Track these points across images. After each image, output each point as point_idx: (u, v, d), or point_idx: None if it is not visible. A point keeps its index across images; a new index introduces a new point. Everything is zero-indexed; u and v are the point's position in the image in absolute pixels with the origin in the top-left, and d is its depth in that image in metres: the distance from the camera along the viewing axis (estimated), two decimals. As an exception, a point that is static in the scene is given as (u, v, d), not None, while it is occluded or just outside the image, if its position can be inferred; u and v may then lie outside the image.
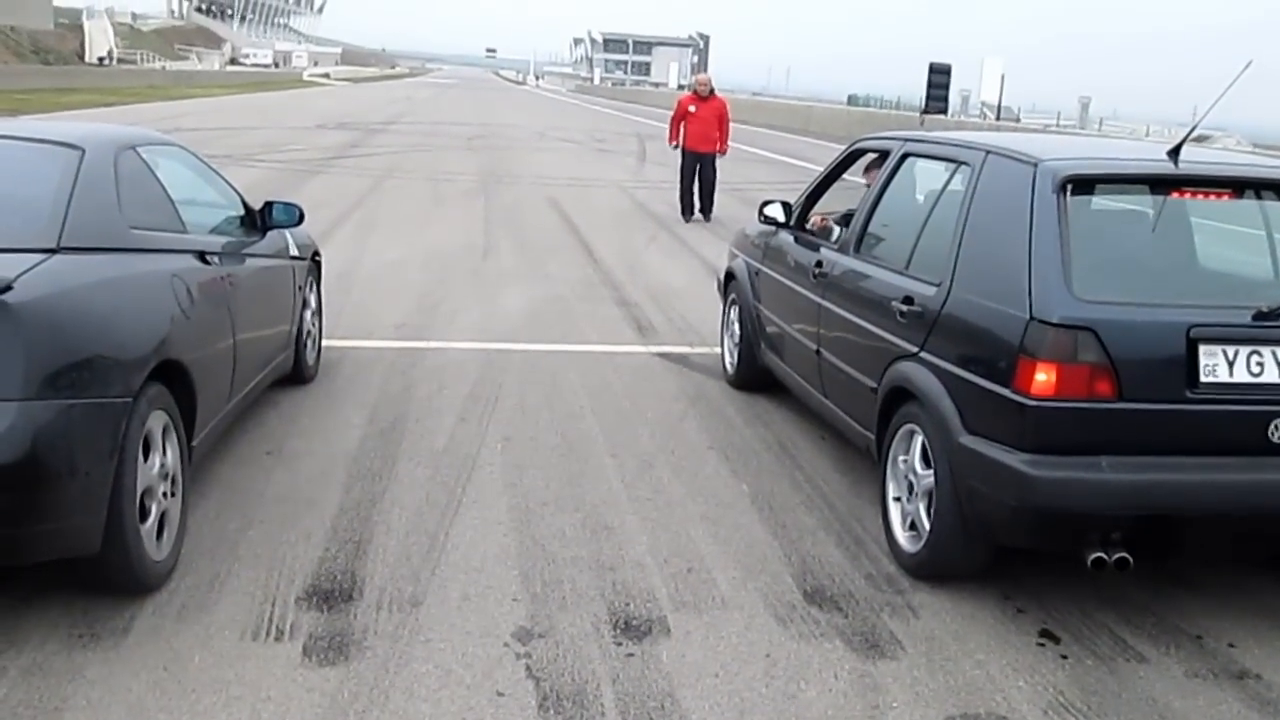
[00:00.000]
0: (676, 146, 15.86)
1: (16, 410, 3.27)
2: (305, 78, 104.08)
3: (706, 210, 15.59)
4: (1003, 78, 41.99)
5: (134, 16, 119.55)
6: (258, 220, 5.65)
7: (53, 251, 3.73)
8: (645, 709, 3.37)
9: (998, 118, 41.84)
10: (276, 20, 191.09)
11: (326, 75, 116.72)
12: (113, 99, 41.72)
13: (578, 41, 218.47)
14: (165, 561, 3.99)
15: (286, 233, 6.02)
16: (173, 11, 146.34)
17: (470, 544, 4.45)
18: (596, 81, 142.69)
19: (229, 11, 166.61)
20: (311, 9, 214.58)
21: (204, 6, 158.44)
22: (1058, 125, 43.86)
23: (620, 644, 3.74)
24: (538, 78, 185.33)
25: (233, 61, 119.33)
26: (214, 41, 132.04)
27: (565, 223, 14.84)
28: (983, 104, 44.59)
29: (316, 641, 3.65)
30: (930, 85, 33.84)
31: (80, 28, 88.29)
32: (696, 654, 3.71)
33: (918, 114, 34.89)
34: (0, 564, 3.61)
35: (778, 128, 44.89)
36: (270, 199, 5.83)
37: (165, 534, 3.99)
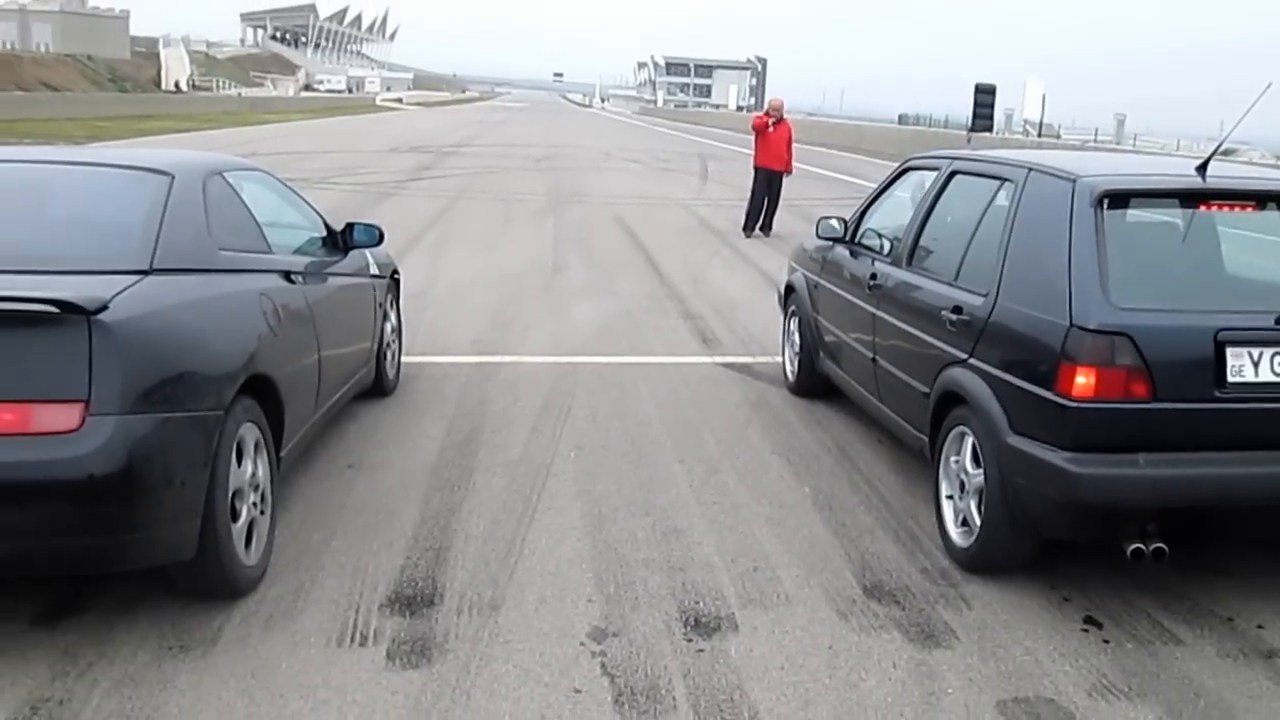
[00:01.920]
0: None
1: (114, 424, 3.44)
2: (378, 103, 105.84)
3: (767, 226, 16.01)
4: (1044, 97, 42.16)
5: (209, 45, 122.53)
6: (339, 241, 5.96)
7: (145, 273, 3.96)
8: (715, 701, 3.58)
9: (1039, 135, 41.97)
10: (349, 47, 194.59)
11: (399, 100, 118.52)
12: (188, 125, 42.74)
13: (641, 65, 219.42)
14: (255, 568, 4.22)
15: (367, 252, 6.33)
16: (244, 40, 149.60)
17: (546, 549, 4.69)
18: (659, 104, 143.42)
19: (303, 39, 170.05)
20: (384, 36, 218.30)
21: (279, 34, 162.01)
22: (1095, 141, 43.85)
23: (690, 640, 3.97)
24: (603, 100, 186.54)
25: (306, 88, 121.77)
26: (288, 68, 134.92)
27: (631, 240, 15.16)
28: (1025, 122, 44.76)
29: (399, 646, 3.84)
30: (976, 105, 34.22)
31: (156, 56, 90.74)
32: (763, 648, 3.93)
33: (965, 132, 35.13)
34: (102, 570, 3.81)
35: (832, 146, 45.04)
36: (351, 220, 6.16)
37: (254, 542, 4.22)
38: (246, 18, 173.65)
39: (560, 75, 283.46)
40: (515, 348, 8.42)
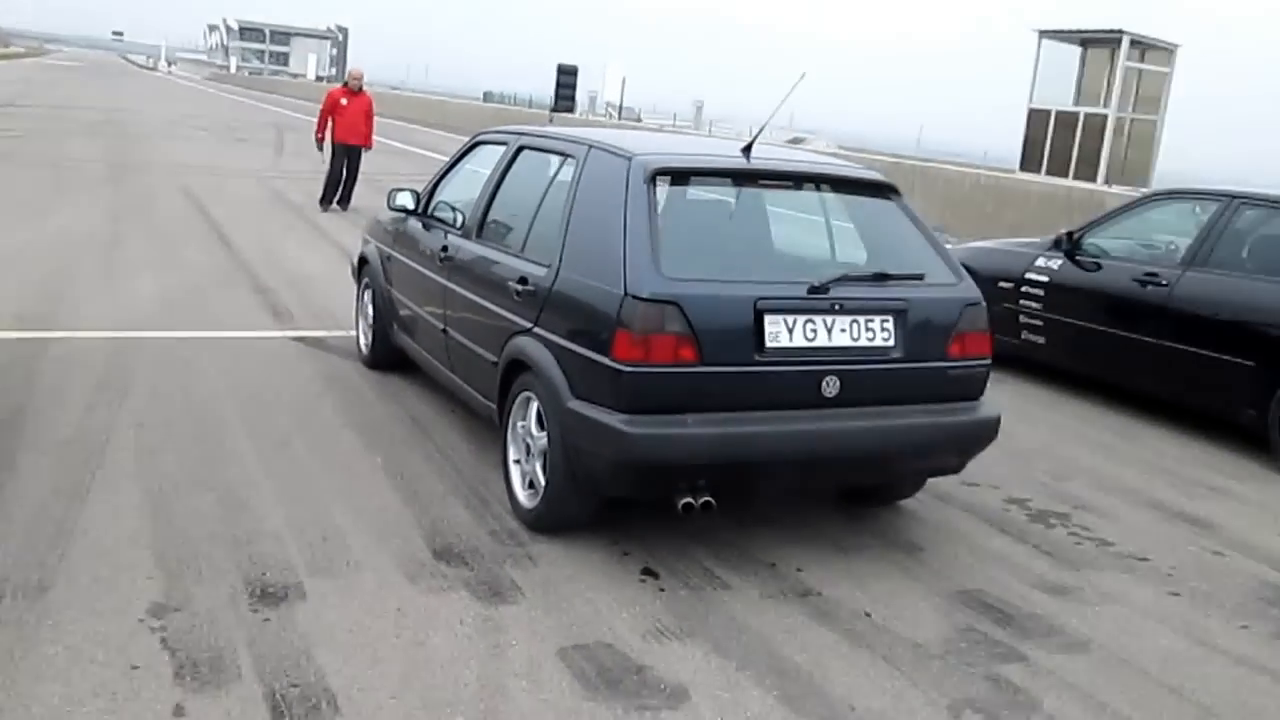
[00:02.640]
0: (323, 141, 15.98)
1: None
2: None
3: (345, 200, 15.76)
4: (624, 80, 44.27)
5: None
6: None
7: None
8: (282, 667, 3.56)
9: (619, 117, 43.95)
10: None
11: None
12: None
13: (213, 28, 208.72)
14: None
15: None
16: None
17: (101, 529, 4.46)
18: (233, 70, 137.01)
19: None
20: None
21: None
22: (674, 125, 46.55)
23: (257, 610, 3.92)
24: (171, 64, 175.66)
25: None
26: None
27: (200, 212, 14.48)
28: (608, 104, 46.72)
29: (-73, 641, 3.56)
30: (559, 85, 35.48)
31: None
32: (331, 614, 3.94)
33: (547, 112, 36.23)
34: None
35: (416, 121, 44.84)
36: None
37: None
38: None
39: (120, 34, 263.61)
40: (67, 322, 7.86)
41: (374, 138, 16.47)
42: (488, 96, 71.09)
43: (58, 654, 3.53)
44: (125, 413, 5.94)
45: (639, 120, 49.32)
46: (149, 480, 5.05)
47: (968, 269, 8.49)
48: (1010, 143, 28.28)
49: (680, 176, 4.92)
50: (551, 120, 33.82)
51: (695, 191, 5.18)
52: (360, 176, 16.05)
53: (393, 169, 20.85)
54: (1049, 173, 25.85)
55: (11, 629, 3.66)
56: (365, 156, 16.23)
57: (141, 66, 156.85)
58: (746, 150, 5.02)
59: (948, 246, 5.30)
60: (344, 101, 15.85)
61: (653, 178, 4.62)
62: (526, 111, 44.43)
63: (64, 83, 61.29)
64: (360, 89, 16.09)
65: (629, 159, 4.74)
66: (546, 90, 38.13)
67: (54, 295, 8.73)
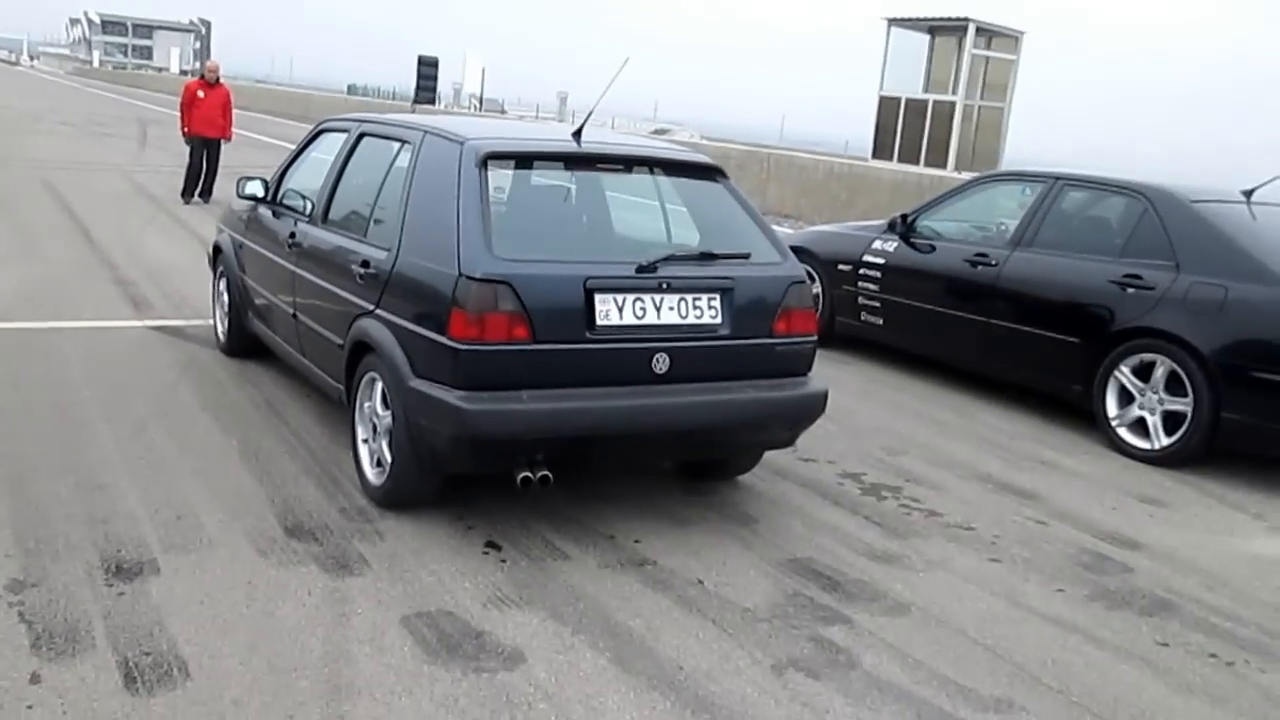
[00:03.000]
0: (188, 134, 15.88)
1: None
2: None
3: (207, 193, 15.72)
4: (484, 71, 44.21)
5: None
6: None
7: None
8: (135, 637, 3.72)
9: (480, 107, 43.93)
10: None
11: None
12: None
13: (74, 22, 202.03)
14: None
15: None
16: None
17: (-44, 514, 4.55)
18: (96, 64, 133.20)
19: None
20: None
21: None
22: (537, 115, 46.60)
23: (112, 585, 4.06)
24: (33, 58, 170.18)
25: None
26: None
27: (62, 206, 14.31)
28: (471, 96, 46.66)
29: None
30: (420, 76, 35.31)
31: None
32: (184, 587, 4.10)
33: (409, 104, 36.07)
34: None
35: (279, 114, 44.25)
36: None
37: None
38: None
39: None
40: (-81, 316, 7.83)
41: (235, 130, 16.42)
42: (352, 89, 70.44)
43: (-98, 634, 3.64)
44: (-18, 401, 5.98)
45: (503, 112, 49.26)
46: (7, 465, 5.13)
47: (808, 252, 8.91)
48: (870, 132, 28.92)
49: (511, 160, 5.13)
50: (414, 112, 33.68)
51: (530, 176, 5.40)
52: (221, 169, 15.94)
53: (254, 161, 20.62)
54: (901, 160, 26.46)
55: None
56: (227, 149, 16.17)
57: (3, 61, 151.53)
58: (577, 135, 5.24)
59: (787, 230, 5.60)
60: (201, 94, 15.83)
61: (484, 161, 4.81)
62: (390, 104, 44.10)
63: (-85, 75, 59.02)
64: (217, 81, 16.07)
65: (461, 144, 4.92)
66: (411, 83, 37.87)
67: (-97, 291, 8.63)
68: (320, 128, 6.72)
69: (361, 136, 5.95)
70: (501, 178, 5.01)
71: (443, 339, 4.54)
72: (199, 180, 15.77)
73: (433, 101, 37.48)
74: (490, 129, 5.50)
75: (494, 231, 4.63)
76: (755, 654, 4.02)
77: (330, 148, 6.28)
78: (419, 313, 4.73)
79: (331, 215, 5.87)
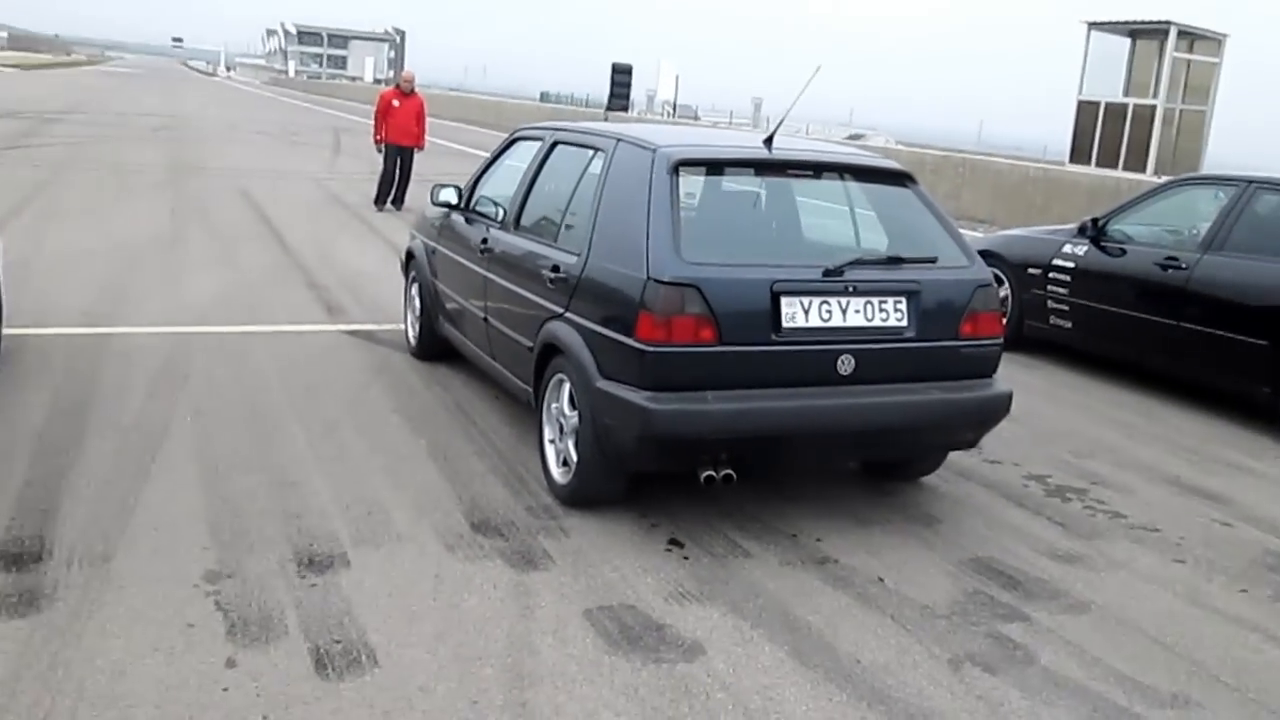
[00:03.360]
0: (381, 142, 16.33)
1: None
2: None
3: (399, 200, 16.13)
4: (677, 77, 44.32)
5: None
6: None
7: None
8: (326, 626, 3.84)
9: (674, 114, 44.04)
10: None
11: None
12: None
13: (271, 33, 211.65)
14: None
15: None
16: None
17: (160, 505, 4.77)
18: (291, 74, 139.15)
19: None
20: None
21: None
22: (730, 122, 46.47)
23: (304, 577, 4.20)
24: (229, 69, 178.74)
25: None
26: None
27: (257, 213, 14.90)
28: (665, 102, 46.91)
29: (5, 599, 3.86)
30: (613, 84, 35.55)
31: None
32: (373, 580, 4.22)
33: (603, 111, 36.38)
34: None
35: (473, 122, 45.35)
36: None
37: None
38: None
39: (180, 41, 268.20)
40: (129, 318, 8.22)
41: (427, 139, 16.82)
42: (544, 97, 71.44)
43: (120, 615, 3.83)
44: (183, 401, 6.26)
45: (696, 118, 49.41)
46: (205, 462, 5.35)
47: (998, 256, 8.79)
48: (1067, 135, 28.27)
49: (702, 167, 5.15)
50: (607, 119, 34.06)
51: (720, 181, 5.42)
52: (414, 177, 16.40)
53: (447, 169, 21.19)
54: (1099, 164, 25.84)
55: (78, 592, 3.96)
56: (418, 157, 16.59)
57: (201, 72, 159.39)
58: (768, 142, 5.25)
59: (979, 234, 5.49)
60: (396, 103, 16.24)
61: (675, 168, 4.86)
62: (583, 111, 44.64)
63: (125, 89, 62.58)
64: (412, 91, 16.44)
65: (653, 151, 4.98)
66: (604, 90, 38.34)
67: (118, 293, 9.11)
68: (514, 136, 6.84)
69: (555, 144, 6.05)
70: (691, 184, 5.05)
71: (630, 341, 4.58)
72: (392, 188, 16.23)
73: (626, 109, 37.81)
74: (682, 136, 5.56)
75: (683, 236, 4.67)
76: (933, 649, 4.01)
77: (523, 156, 6.40)
78: (607, 315, 4.78)
79: (523, 221, 5.98)
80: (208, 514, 4.74)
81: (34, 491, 4.83)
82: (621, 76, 36.87)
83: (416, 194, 16.22)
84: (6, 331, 7.04)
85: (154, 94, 59.72)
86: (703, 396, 4.56)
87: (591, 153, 5.56)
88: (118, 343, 7.44)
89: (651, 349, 4.52)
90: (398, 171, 16.21)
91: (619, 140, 5.31)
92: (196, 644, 3.68)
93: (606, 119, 33.57)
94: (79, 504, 4.74)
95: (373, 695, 3.45)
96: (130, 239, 11.92)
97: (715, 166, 5.31)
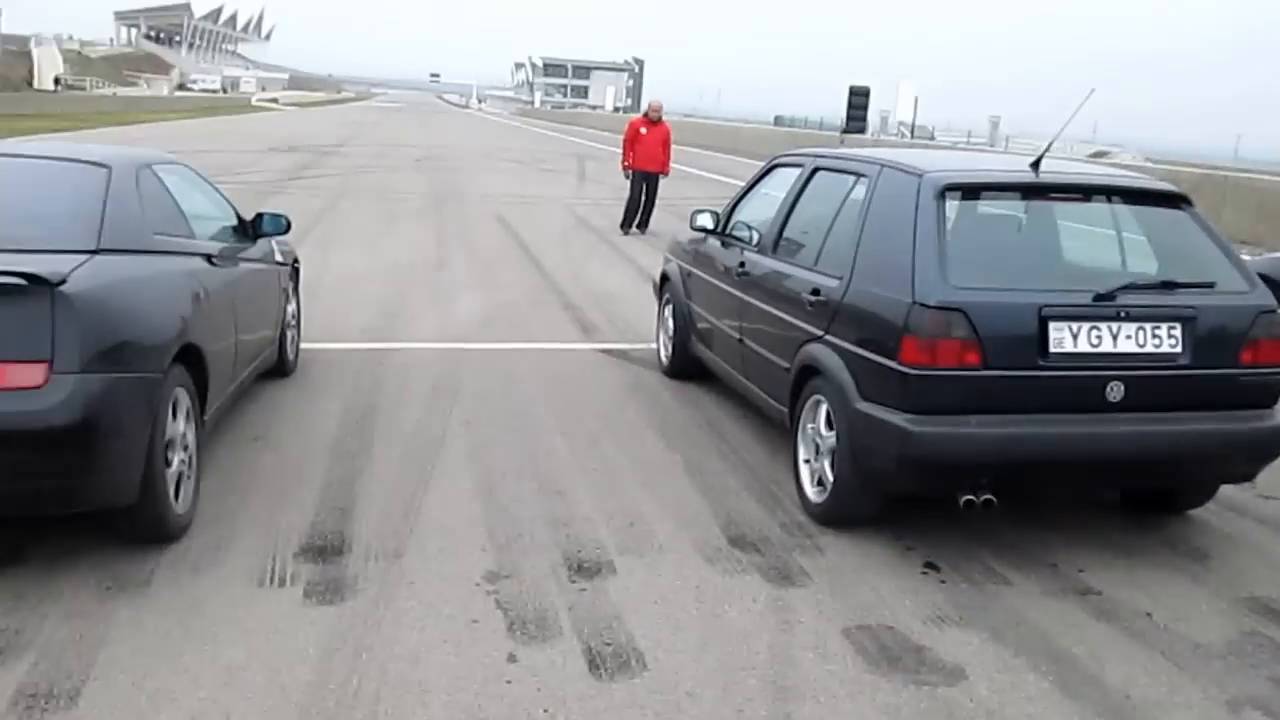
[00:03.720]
0: (629, 169, 16.78)
1: (74, 381, 3.90)
2: (254, 103, 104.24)
3: (644, 225, 16.54)
4: (916, 100, 43.59)
5: (82, 44, 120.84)
6: (249, 229, 6.39)
7: (93, 253, 4.42)
8: (597, 628, 4.05)
9: (912, 135, 43.27)
10: (224, 46, 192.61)
11: (274, 100, 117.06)
12: (65, 124, 41.59)
13: (519, 66, 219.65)
14: (185, 516, 4.68)
15: (272, 240, 6.75)
16: (118, 39, 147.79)
17: (442, 508, 5.12)
18: (537, 104, 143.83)
19: (177, 38, 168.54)
20: (259, 35, 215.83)
21: (152, 33, 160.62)
22: (968, 142, 45.27)
23: (574, 581, 4.43)
24: (480, 101, 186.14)
25: (181, 87, 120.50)
26: (162, 68, 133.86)
27: (512, 237, 15.55)
28: (900, 124, 46.20)
29: (315, 587, 4.26)
30: (850, 106, 35.28)
31: (28, 54, 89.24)
32: (639, 587, 4.41)
33: (838, 133, 36.12)
34: (60, 510, 4.25)
35: (710, 147, 45.81)
36: (260, 210, 6.55)
37: (182, 493, 4.67)
38: (120, 16, 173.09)
39: (437, 76, 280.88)
40: (404, 335, 8.80)
41: (671, 165, 17.15)
42: (779, 120, 71.57)
43: (413, 607, 4.15)
44: (457, 412, 6.66)
45: (932, 138, 48.65)
46: (479, 470, 5.68)
47: (1272, 280, 8.30)
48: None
49: (969, 191, 5.16)
50: (842, 142, 33.89)
51: (986, 206, 5.41)
52: (659, 202, 16.76)
53: (689, 194, 21.57)
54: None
55: (375, 585, 4.31)
56: (664, 182, 16.95)
57: (454, 104, 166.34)
58: (1035, 165, 5.22)
59: (1245, 257, 5.32)
60: (644, 130, 16.66)
61: (942, 193, 4.89)
62: (818, 134, 44.60)
63: (387, 123, 66.02)
64: (659, 119, 16.83)
65: (920, 176, 5.02)
66: (836, 112, 38.17)
67: (391, 312, 9.73)
68: (773, 163, 6.99)
69: (815, 170, 6.15)
70: (958, 208, 5.05)
71: (893, 364, 4.64)
72: (638, 213, 16.65)
73: (863, 130, 37.60)
74: (946, 161, 5.58)
75: (949, 260, 4.69)
76: (1209, 689, 3.89)
77: (781, 182, 6.54)
78: (869, 338, 4.85)
79: (782, 246, 6.10)
80: (485, 517, 5.04)
81: (333, 492, 5.26)
82: (858, 99, 36.65)
83: (660, 218, 16.61)
84: (303, 346, 7.64)
85: (414, 127, 62.79)
86: (966, 420, 4.57)
87: (854, 178, 5.63)
88: (396, 357, 7.95)
89: (915, 372, 4.57)
90: (643, 196, 16.61)
91: (883, 166, 5.37)
92: (481, 638, 3.94)
93: (843, 142, 33.37)
94: (372, 504, 5.13)
95: (643, 697, 3.63)
96: (401, 261, 12.67)
97: (982, 190, 5.28)
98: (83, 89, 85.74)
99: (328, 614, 4.07)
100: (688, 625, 4.13)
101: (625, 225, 16.65)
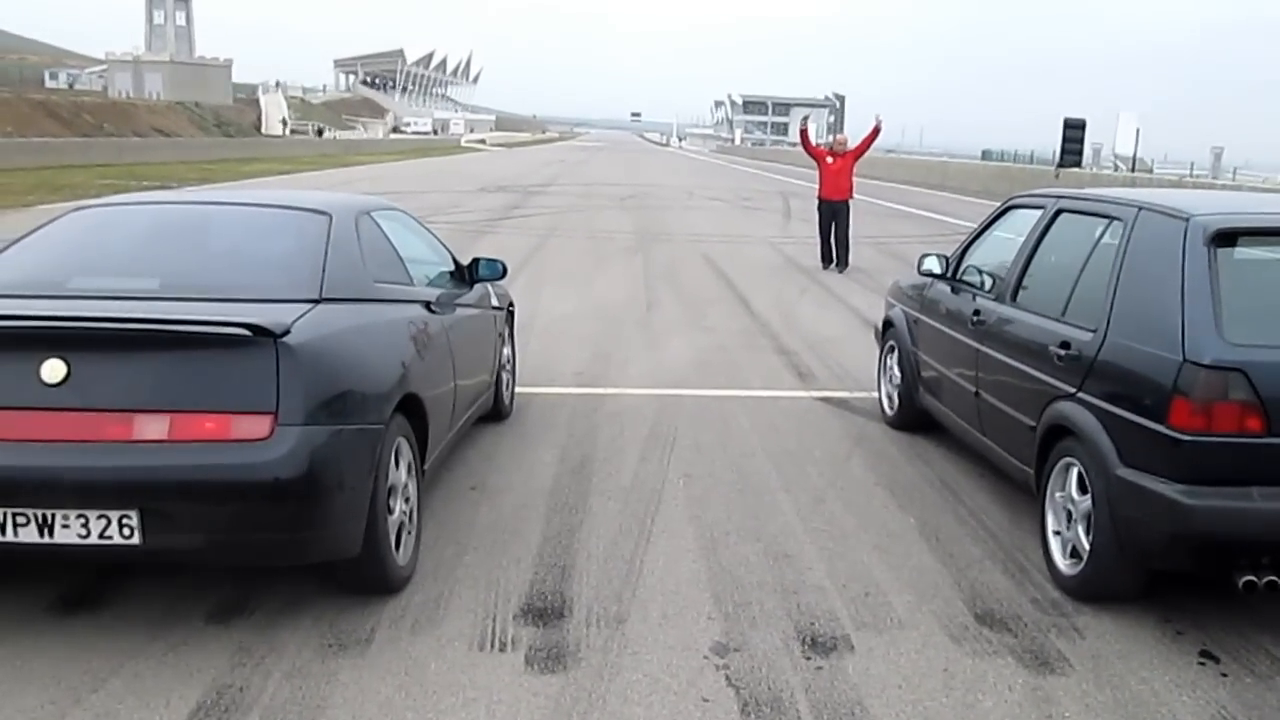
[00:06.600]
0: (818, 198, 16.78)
1: (298, 433, 3.85)
2: (463, 144, 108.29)
3: (843, 262, 16.21)
4: (1138, 131, 41.75)
5: (304, 90, 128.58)
6: (465, 274, 6.35)
7: (316, 302, 4.40)
8: (837, 715, 3.74)
9: (1132, 169, 41.48)
10: (435, 90, 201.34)
11: (482, 141, 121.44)
12: (288, 167, 43.85)
13: (718, 104, 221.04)
14: (405, 569, 4.61)
15: (488, 285, 6.71)
16: (337, 85, 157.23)
17: (664, 569, 4.89)
18: (737, 142, 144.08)
19: (391, 83, 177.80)
20: (468, 79, 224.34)
21: (369, 79, 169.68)
22: (1191, 176, 43.04)
23: (809, 658, 4.13)
24: (680, 139, 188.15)
25: (395, 130, 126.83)
26: (378, 112, 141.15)
27: (720, 277, 15.38)
28: (1115, 156, 44.34)
29: (536, 653, 4.09)
30: (1065, 140, 34.04)
31: (256, 102, 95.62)
32: (880, 668, 4.08)
33: (1051, 168, 34.84)
34: (285, 562, 4.24)
35: (916, 183, 44.87)
36: (476, 256, 6.52)
37: (403, 545, 4.60)
38: (339, 64, 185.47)
39: (638, 115, 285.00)
40: (617, 380, 8.66)
41: (872, 199, 16.85)
42: (986, 155, 69.79)
43: (639, 680, 3.92)
44: (674, 463, 6.45)
45: (1150, 172, 46.52)
46: (700, 527, 5.45)
47: None
48: None
49: (1242, 236, 4.65)
50: (1058, 176, 32.73)
51: (1259, 252, 4.90)
52: (864, 239, 16.46)
53: (899, 231, 21.11)
54: None
55: (599, 654, 4.11)
56: (868, 218, 16.62)
57: (655, 143, 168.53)
58: None
59: None
60: (830, 160, 16.59)
61: (1213, 239, 4.44)
62: (1029, 169, 43.18)
63: (591, 162, 67.11)
64: (844, 151, 16.72)
65: (1186, 220, 4.57)
66: (1041, 145, 36.95)
67: (603, 355, 9.63)
68: (1008, 204, 6.59)
69: (1059, 213, 5.72)
70: (1231, 254, 4.55)
71: (1161, 428, 4.21)
72: (828, 242, 16.46)
73: (1079, 164, 36.29)
74: (1213, 202, 5.07)
75: (1223, 314, 4.23)
76: None
77: (1018, 225, 6.14)
78: (1131, 398, 4.43)
79: (1022, 293, 5.69)
80: (709, 581, 4.79)
81: (551, 548, 5.11)
82: (1074, 132, 35.38)
83: (869, 257, 16.21)
84: (517, 390, 7.57)
85: (617, 166, 63.65)
86: (1247, 493, 4.10)
87: (1106, 221, 5.20)
88: (610, 403, 7.82)
89: (1189, 438, 4.12)
90: (834, 226, 16.36)
91: (1140, 208, 4.93)
92: (713, 720, 3.68)
93: (1058, 176, 32.19)
94: (591, 562, 4.95)
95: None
96: (610, 301, 12.64)
97: (1259, 235, 4.77)
98: (305, 133, 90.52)
99: (550, 684, 3.88)
100: (938, 715, 3.78)
101: (824, 260, 16.45)
